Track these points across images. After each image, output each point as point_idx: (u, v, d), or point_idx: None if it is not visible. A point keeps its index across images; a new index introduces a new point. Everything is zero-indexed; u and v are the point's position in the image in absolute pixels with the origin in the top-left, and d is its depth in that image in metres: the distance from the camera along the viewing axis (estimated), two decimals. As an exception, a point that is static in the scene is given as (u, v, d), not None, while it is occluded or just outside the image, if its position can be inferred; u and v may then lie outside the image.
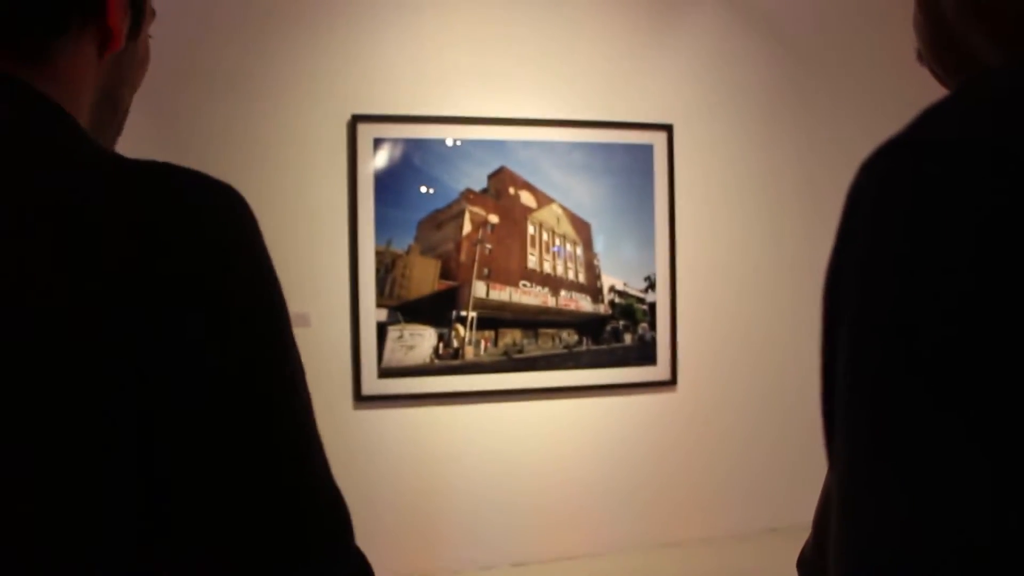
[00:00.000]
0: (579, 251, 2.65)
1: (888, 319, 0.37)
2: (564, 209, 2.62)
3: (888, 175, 0.42)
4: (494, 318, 2.55)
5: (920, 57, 0.62)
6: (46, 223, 0.51)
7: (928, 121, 0.43)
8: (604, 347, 2.63)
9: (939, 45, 0.59)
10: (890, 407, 0.36)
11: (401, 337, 2.46)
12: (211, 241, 0.53)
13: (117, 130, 0.71)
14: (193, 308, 0.51)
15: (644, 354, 2.66)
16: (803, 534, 0.68)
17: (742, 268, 2.77)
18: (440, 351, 2.49)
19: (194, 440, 0.51)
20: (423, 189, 2.50)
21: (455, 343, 2.51)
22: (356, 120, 2.46)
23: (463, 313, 2.53)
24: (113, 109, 0.69)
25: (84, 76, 0.63)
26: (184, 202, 0.54)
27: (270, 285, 0.56)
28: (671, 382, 2.68)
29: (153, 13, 0.70)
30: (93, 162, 0.55)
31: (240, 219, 0.56)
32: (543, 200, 2.61)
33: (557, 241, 2.61)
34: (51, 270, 0.49)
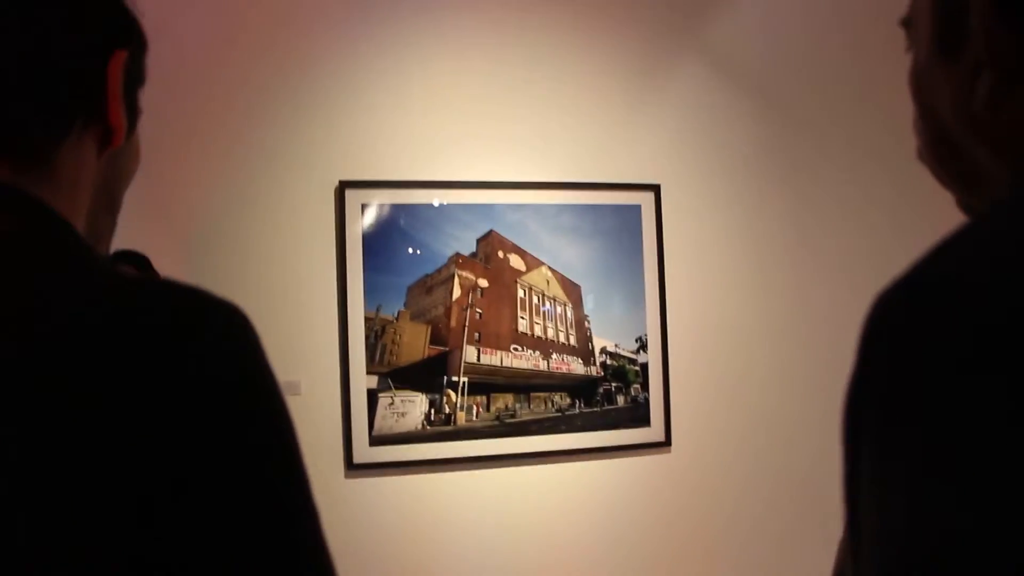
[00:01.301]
0: (569, 313, 2.65)
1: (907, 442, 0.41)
2: (553, 271, 2.64)
3: (895, 313, 0.46)
4: (486, 383, 2.55)
5: (920, 156, 0.63)
6: (44, 348, 0.51)
7: (933, 260, 0.47)
8: (597, 409, 2.63)
9: (939, 151, 0.60)
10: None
11: (392, 404, 2.46)
12: (215, 364, 0.53)
13: (112, 227, 0.72)
14: (196, 434, 0.51)
15: (637, 416, 2.66)
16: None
17: (733, 327, 2.78)
18: (432, 417, 2.49)
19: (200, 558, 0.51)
20: (412, 253, 2.51)
21: (447, 409, 2.50)
22: (344, 186, 2.48)
23: (454, 378, 2.53)
24: (110, 208, 0.70)
25: (84, 177, 0.64)
26: (187, 324, 0.54)
27: (276, 396, 0.57)
28: (665, 443, 2.68)
29: (140, 110, 0.71)
30: (94, 282, 0.56)
31: (244, 340, 0.56)
32: (532, 263, 2.62)
33: (547, 303, 2.62)
34: (48, 398, 0.49)
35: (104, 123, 0.65)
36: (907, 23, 0.63)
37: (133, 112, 0.69)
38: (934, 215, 0.63)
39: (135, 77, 0.69)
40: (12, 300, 0.52)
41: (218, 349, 0.54)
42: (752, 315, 2.80)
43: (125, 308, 0.54)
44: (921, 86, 0.60)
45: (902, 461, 0.40)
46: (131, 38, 0.68)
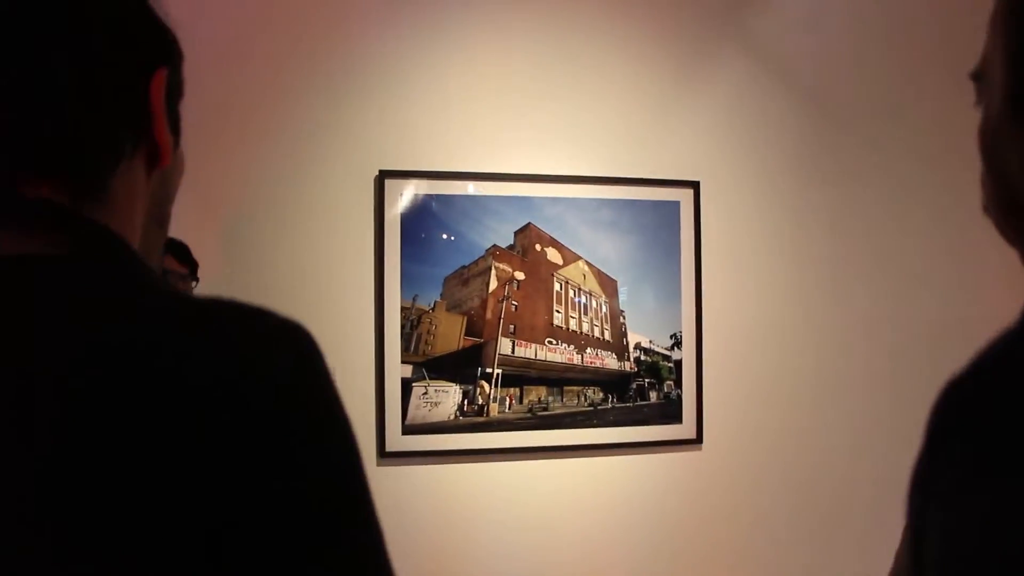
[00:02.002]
0: (605, 308, 2.65)
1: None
2: (590, 266, 2.64)
3: (953, 407, 0.53)
4: (519, 375, 2.56)
5: (986, 210, 0.62)
6: (116, 374, 0.51)
7: (982, 360, 0.53)
8: (629, 405, 2.64)
9: (1004, 205, 0.59)
10: None
11: (426, 393, 2.48)
12: (286, 386, 0.54)
13: (162, 241, 0.73)
14: (270, 454, 0.52)
15: (669, 412, 2.67)
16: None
17: (769, 327, 2.77)
18: (465, 408, 2.51)
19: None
20: (449, 245, 2.52)
21: (480, 400, 2.52)
22: (383, 175, 2.49)
23: (488, 370, 2.54)
24: (160, 225, 0.70)
25: (136, 198, 0.65)
26: (258, 352, 0.55)
27: (344, 425, 0.58)
28: (696, 440, 2.69)
29: (180, 117, 0.71)
30: (161, 306, 0.56)
31: (311, 361, 0.57)
32: (569, 257, 2.62)
33: (583, 297, 2.62)
34: (126, 423, 0.50)
35: (151, 143, 0.65)
36: (978, 76, 0.61)
37: (176, 126, 0.69)
38: (987, 225, 0.62)
39: (176, 91, 0.69)
40: (82, 326, 0.53)
41: (290, 378, 0.55)
42: (789, 317, 2.79)
43: (195, 335, 0.54)
44: (990, 144, 0.59)
45: (990, 503, 0.47)
46: (170, 54, 0.68)
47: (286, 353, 0.56)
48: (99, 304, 0.54)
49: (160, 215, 0.70)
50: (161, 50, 0.67)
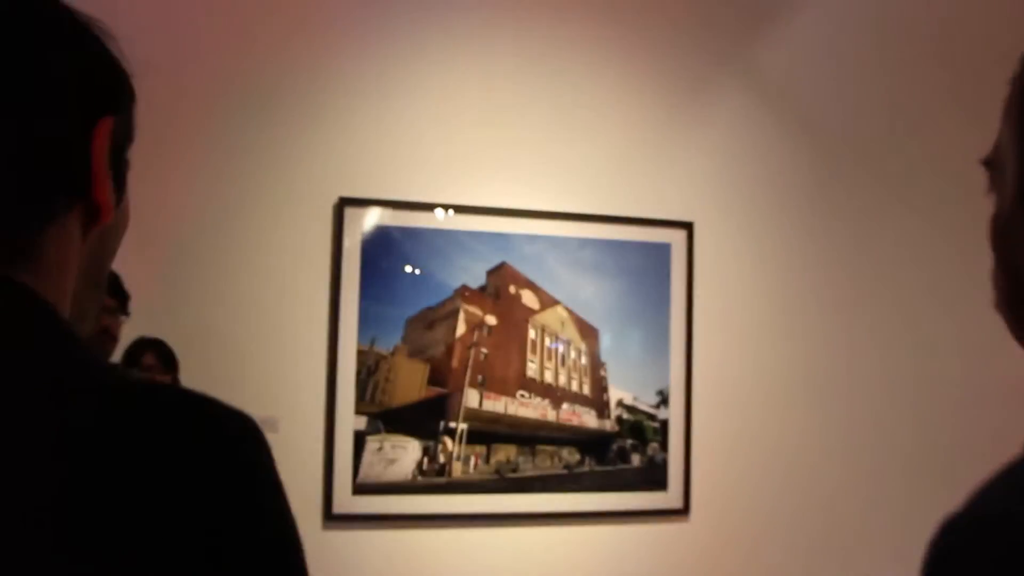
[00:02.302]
0: (584, 359, 2.57)
1: None
2: (570, 312, 2.56)
3: (952, 549, 0.53)
4: (487, 431, 2.48)
5: (997, 307, 0.63)
6: (43, 459, 0.51)
7: (982, 498, 0.54)
8: (609, 468, 2.55)
9: (1017, 303, 0.60)
10: None
11: (381, 449, 2.39)
12: (229, 488, 0.54)
13: (98, 304, 0.72)
14: (208, 557, 0.53)
15: (654, 478, 2.57)
16: None
17: (767, 384, 2.68)
18: (424, 466, 2.42)
19: None
20: (414, 283, 2.44)
21: (442, 458, 2.43)
22: (343, 203, 2.40)
23: (452, 424, 2.45)
24: (96, 288, 0.69)
25: (69, 259, 0.64)
26: (198, 442, 0.55)
27: (288, 520, 0.58)
28: (683, 511, 2.58)
29: (128, 164, 0.70)
30: (90, 391, 0.56)
31: (257, 458, 0.57)
32: (547, 301, 2.54)
33: (561, 346, 2.56)
34: (50, 513, 0.50)
35: (89, 200, 0.64)
36: (990, 164, 0.62)
37: (121, 177, 0.68)
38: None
39: (123, 139, 0.68)
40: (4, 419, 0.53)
41: (234, 478, 0.55)
42: (790, 374, 2.70)
43: (127, 428, 0.54)
44: (1002, 237, 0.59)
45: None
46: (119, 98, 0.67)
47: (230, 450, 0.56)
48: (16, 388, 0.54)
49: (97, 276, 0.69)
50: (109, 96, 0.66)
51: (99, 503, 0.51)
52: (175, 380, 2.18)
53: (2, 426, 0.52)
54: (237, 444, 0.56)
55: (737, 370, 2.70)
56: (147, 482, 0.52)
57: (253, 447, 0.57)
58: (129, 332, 2.12)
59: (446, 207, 2.50)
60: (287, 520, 0.57)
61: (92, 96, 0.64)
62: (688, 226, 2.66)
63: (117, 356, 2.14)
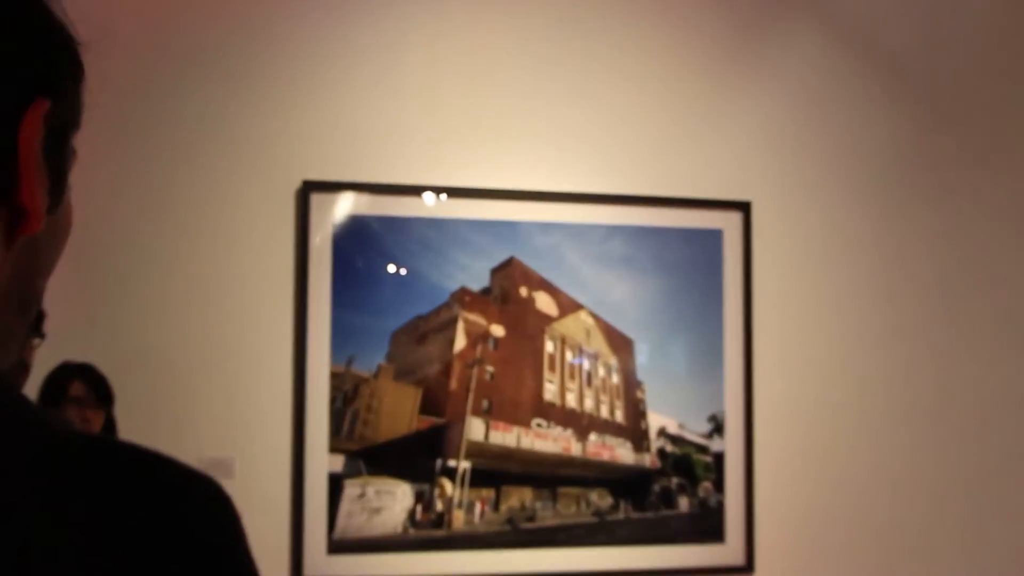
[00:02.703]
0: (616, 378, 2.44)
1: None
2: (596, 318, 2.44)
3: None
4: (495, 471, 2.39)
5: None
6: None
7: None
8: (650, 515, 2.45)
9: None
10: None
11: (363, 495, 2.34)
12: (195, 561, 0.55)
13: (24, 327, 0.70)
14: None
15: (707, 527, 2.46)
16: None
17: (847, 405, 2.53)
18: (418, 516, 2.35)
19: None
20: (400, 286, 2.35)
21: (439, 505, 2.35)
22: (308, 188, 2.27)
23: (452, 463, 2.36)
24: (23, 309, 0.67)
25: None
26: (159, 512, 0.56)
27: None
28: (746, 568, 2.44)
29: (74, 154, 0.68)
30: (24, 449, 0.56)
31: (224, 528, 0.57)
32: (567, 306, 2.43)
33: (586, 362, 2.43)
34: None
35: (12, 205, 0.61)
36: None
37: (61, 172, 0.65)
38: None
39: (65, 126, 0.65)
40: None
41: (200, 552, 0.56)
42: (873, 389, 2.55)
43: (73, 495, 0.55)
44: None
45: None
46: (57, 76, 0.64)
47: (195, 520, 0.57)
48: None
49: (23, 295, 0.66)
50: (44, 72, 0.63)
51: None
52: (109, 415, 2.13)
53: None
54: (204, 523, 0.57)
55: (811, 388, 2.54)
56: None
57: (223, 525, 0.58)
58: (49, 356, 2.03)
59: (437, 190, 2.35)
60: None
61: (20, 73, 0.61)
62: (744, 207, 2.51)
63: (35, 384, 2.05)
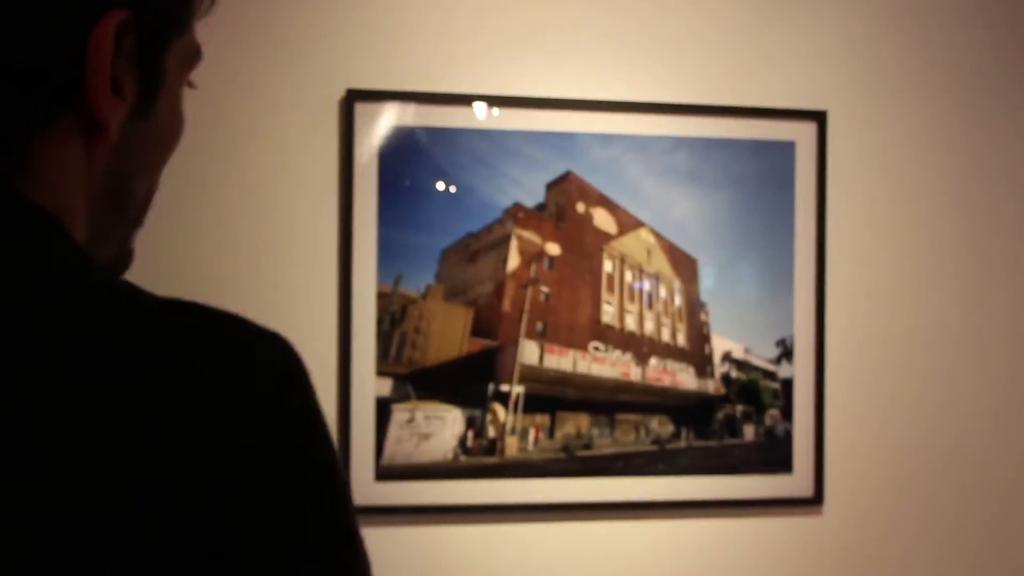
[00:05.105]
0: (679, 300, 2.35)
1: None
2: (658, 237, 2.33)
3: None
4: (550, 396, 2.30)
5: None
6: (62, 399, 0.54)
7: None
8: (713, 444, 2.35)
9: None
10: None
11: (412, 421, 2.26)
12: (269, 414, 0.59)
13: (127, 227, 0.75)
14: (252, 493, 0.57)
15: (774, 456, 2.37)
16: None
17: (928, 332, 2.41)
18: (469, 443, 2.27)
19: None
20: (450, 201, 2.27)
21: (491, 431, 2.28)
22: (353, 97, 2.17)
23: (504, 388, 2.28)
24: (120, 209, 0.73)
25: (70, 177, 0.66)
26: (237, 368, 0.59)
27: (328, 450, 0.63)
28: (815, 500, 2.35)
29: (199, 53, 0.73)
30: (110, 313, 0.59)
31: (296, 382, 0.62)
32: (627, 222, 2.32)
33: (647, 283, 2.35)
34: (87, 464, 0.54)
35: (84, 111, 0.64)
36: None
37: (155, 81, 0.68)
38: None
39: (159, 30, 0.68)
40: (13, 342, 0.55)
41: (274, 405, 0.60)
42: (951, 317, 2.42)
43: (157, 350, 0.57)
44: None
45: None
46: None
47: (269, 374, 0.61)
48: (32, 312, 0.57)
49: (117, 193, 0.71)
50: None
51: (129, 453, 0.54)
52: None
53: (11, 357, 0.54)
54: (281, 377, 0.60)
55: (886, 314, 2.41)
56: (179, 430, 0.55)
57: (296, 378, 0.61)
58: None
59: (490, 100, 2.23)
60: (336, 468, 0.62)
61: None
62: (819, 116, 2.36)
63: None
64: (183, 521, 0.56)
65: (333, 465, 0.63)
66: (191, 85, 0.75)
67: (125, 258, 0.80)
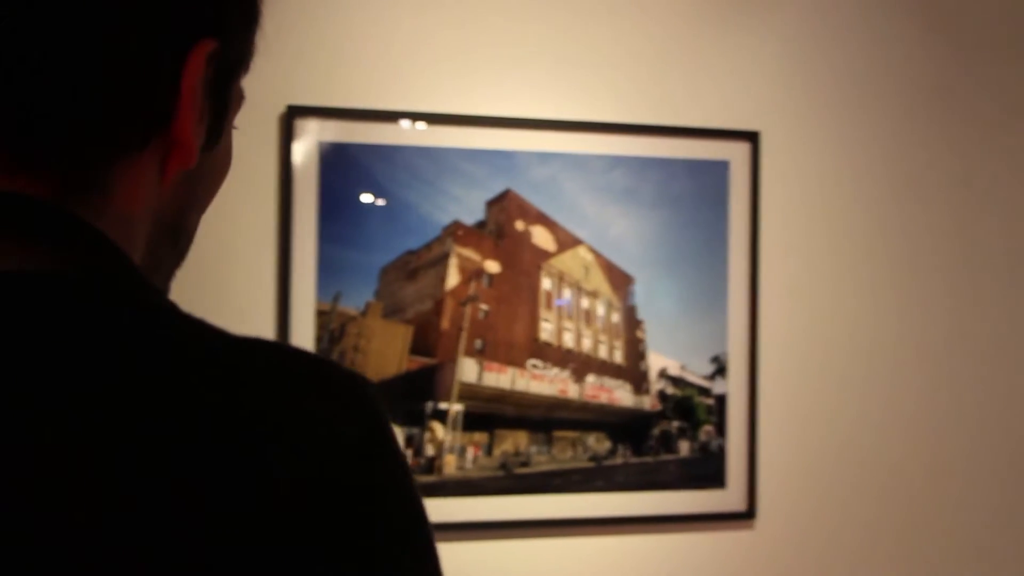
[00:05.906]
0: (616, 317, 2.38)
1: None
2: (596, 254, 2.36)
3: None
4: (488, 414, 2.31)
5: None
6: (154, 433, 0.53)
7: None
8: (649, 460, 2.38)
9: None
10: None
11: None
12: (359, 455, 0.59)
13: (176, 261, 0.75)
14: (342, 534, 0.57)
15: (708, 472, 2.40)
16: None
17: (858, 347, 2.47)
18: (407, 461, 2.27)
19: None
20: (388, 219, 2.27)
21: (429, 450, 2.28)
22: (293, 113, 2.17)
23: (442, 406, 2.29)
24: (175, 243, 0.73)
25: (139, 204, 0.66)
26: (326, 408, 0.59)
27: (415, 498, 0.62)
28: (747, 514, 2.39)
29: (242, 97, 0.73)
30: (194, 346, 0.59)
31: (381, 424, 0.61)
32: (566, 240, 2.34)
33: (584, 300, 2.37)
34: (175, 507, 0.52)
35: (169, 138, 0.65)
36: None
37: (222, 114, 0.69)
38: None
39: (231, 68, 0.68)
40: (92, 372, 0.54)
41: (363, 447, 0.59)
42: (884, 331, 2.49)
43: (250, 390, 0.57)
44: None
45: None
46: (227, 20, 0.67)
47: (357, 416, 0.60)
48: (114, 344, 0.56)
49: (177, 227, 0.71)
50: (213, 15, 0.66)
51: (260, 489, 0.54)
52: None
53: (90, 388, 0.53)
54: (372, 417, 0.60)
55: (818, 330, 2.46)
56: (270, 469, 0.55)
57: (385, 418, 0.61)
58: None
59: (429, 117, 2.24)
60: (424, 509, 0.62)
61: (191, 12, 0.64)
62: (752, 137, 2.41)
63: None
64: (304, 556, 0.56)
65: (422, 506, 0.64)
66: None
67: (166, 294, 0.79)
